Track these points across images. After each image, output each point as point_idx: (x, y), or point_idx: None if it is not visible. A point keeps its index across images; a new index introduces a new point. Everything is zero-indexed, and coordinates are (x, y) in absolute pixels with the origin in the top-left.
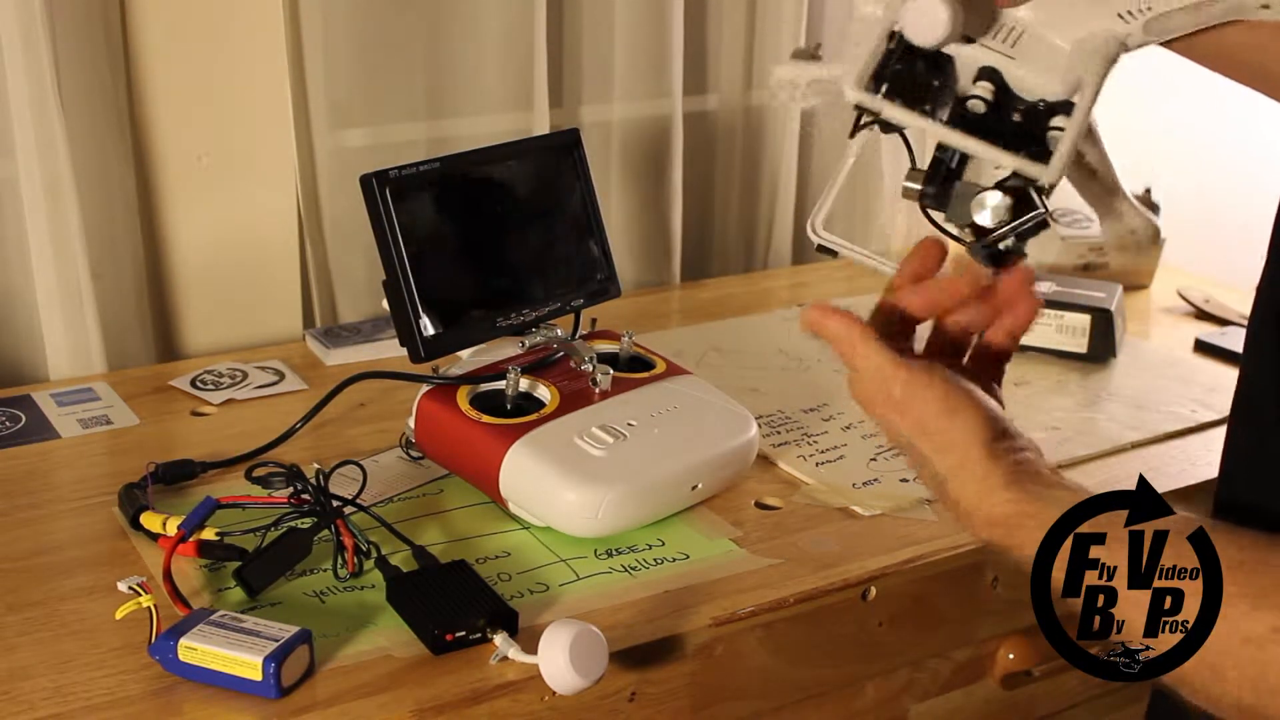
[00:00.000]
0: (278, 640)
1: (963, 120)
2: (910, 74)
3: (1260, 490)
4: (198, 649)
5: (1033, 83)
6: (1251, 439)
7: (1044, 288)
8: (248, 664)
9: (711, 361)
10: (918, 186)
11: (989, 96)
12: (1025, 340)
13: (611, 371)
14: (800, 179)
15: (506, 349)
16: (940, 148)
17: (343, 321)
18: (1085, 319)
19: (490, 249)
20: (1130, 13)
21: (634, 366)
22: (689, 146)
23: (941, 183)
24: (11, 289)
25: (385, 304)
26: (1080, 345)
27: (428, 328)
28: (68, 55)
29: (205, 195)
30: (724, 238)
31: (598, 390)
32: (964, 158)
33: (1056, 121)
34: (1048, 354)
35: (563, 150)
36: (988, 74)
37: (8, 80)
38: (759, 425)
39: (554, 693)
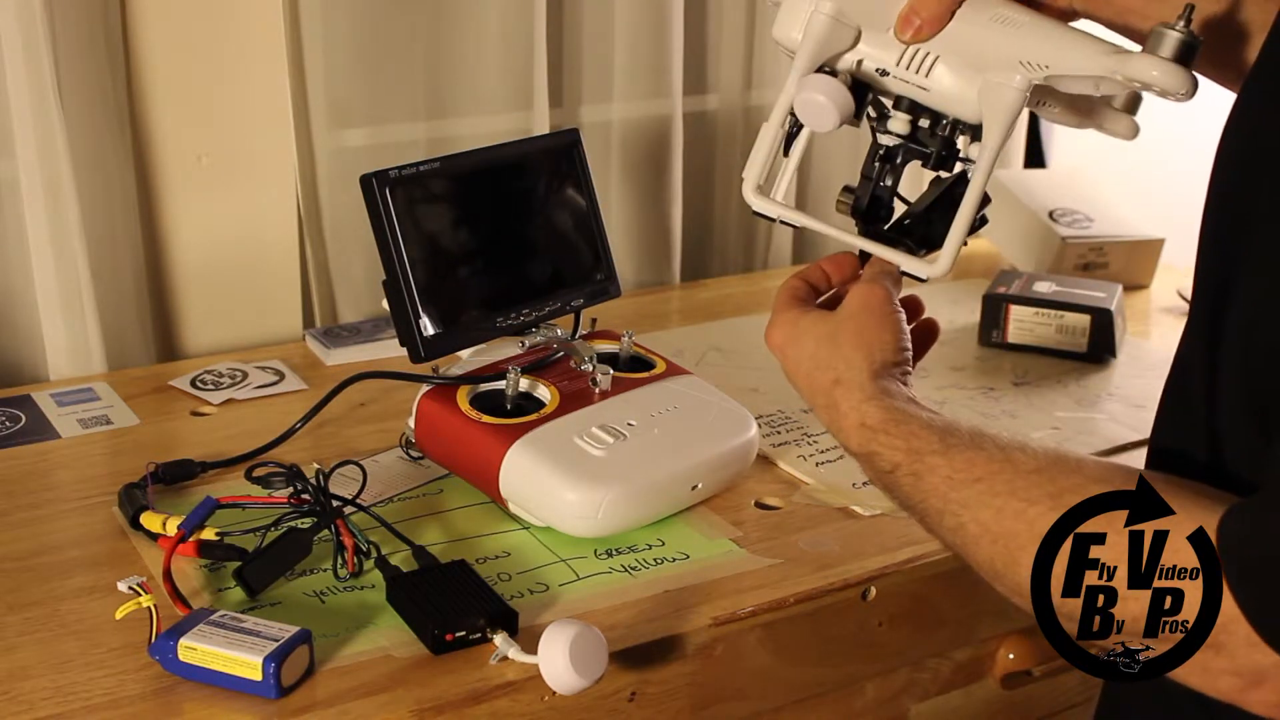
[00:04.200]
0: (278, 640)
1: (884, 153)
2: None
3: (1181, 463)
4: (198, 649)
5: (947, 107)
6: (1179, 415)
7: (1044, 287)
8: (248, 664)
9: (711, 361)
10: (849, 202)
11: (904, 130)
12: (1025, 340)
13: (611, 371)
14: (800, 179)
15: (506, 349)
16: (864, 173)
17: (343, 321)
18: (1085, 319)
19: (490, 249)
20: (1030, 64)
21: (634, 366)
22: (689, 146)
23: (871, 201)
24: (11, 289)
25: (385, 304)
26: (1080, 345)
27: (428, 328)
28: (68, 55)
29: (205, 195)
30: (724, 238)
31: (598, 390)
32: (896, 177)
33: (970, 152)
34: (1048, 354)
35: (563, 150)
36: (905, 104)
37: (8, 80)
38: (759, 425)
39: (554, 693)
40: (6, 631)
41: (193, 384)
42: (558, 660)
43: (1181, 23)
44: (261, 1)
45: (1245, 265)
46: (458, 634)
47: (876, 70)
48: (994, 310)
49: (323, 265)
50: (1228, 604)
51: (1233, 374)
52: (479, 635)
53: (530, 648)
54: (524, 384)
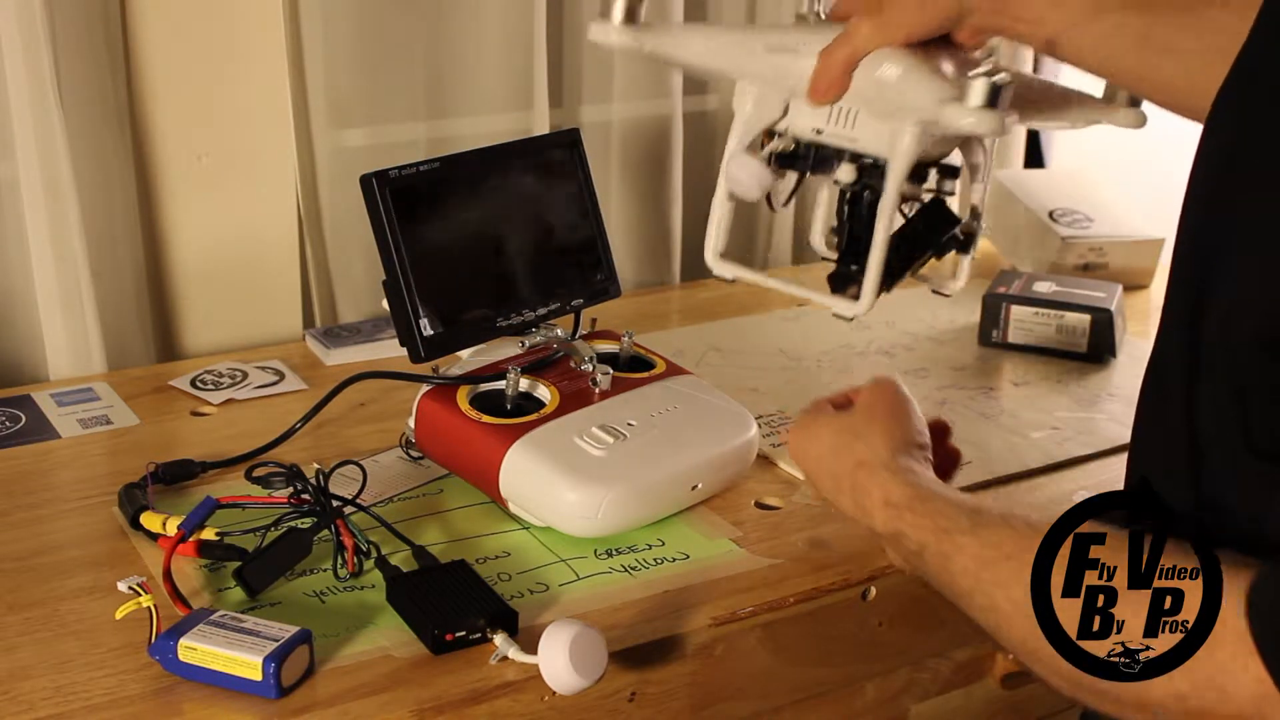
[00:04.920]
0: (278, 640)
1: (850, 197)
2: None
3: (1158, 457)
4: (198, 649)
5: (878, 151)
6: (1158, 411)
7: (1044, 287)
8: (248, 664)
9: (711, 361)
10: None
11: (850, 177)
12: (1025, 340)
13: (611, 371)
14: (800, 178)
15: (506, 349)
16: (837, 215)
17: (343, 321)
18: (1085, 319)
19: (490, 249)
20: (914, 109)
21: (634, 366)
22: (689, 146)
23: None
24: (11, 289)
25: (385, 304)
26: (1080, 345)
27: (428, 328)
28: (68, 55)
29: (205, 195)
30: None
31: (598, 390)
32: (871, 216)
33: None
34: (1048, 354)
35: (563, 150)
36: (846, 154)
37: (8, 80)
38: (759, 425)
39: (554, 693)
40: (6, 631)
41: (193, 384)
42: (558, 660)
43: (987, 67)
44: (261, 1)
45: (1220, 268)
46: (458, 634)
47: (813, 130)
48: (994, 310)
49: (323, 265)
50: (1261, 675)
51: (1213, 374)
52: (479, 635)
53: (530, 648)
54: (524, 384)
